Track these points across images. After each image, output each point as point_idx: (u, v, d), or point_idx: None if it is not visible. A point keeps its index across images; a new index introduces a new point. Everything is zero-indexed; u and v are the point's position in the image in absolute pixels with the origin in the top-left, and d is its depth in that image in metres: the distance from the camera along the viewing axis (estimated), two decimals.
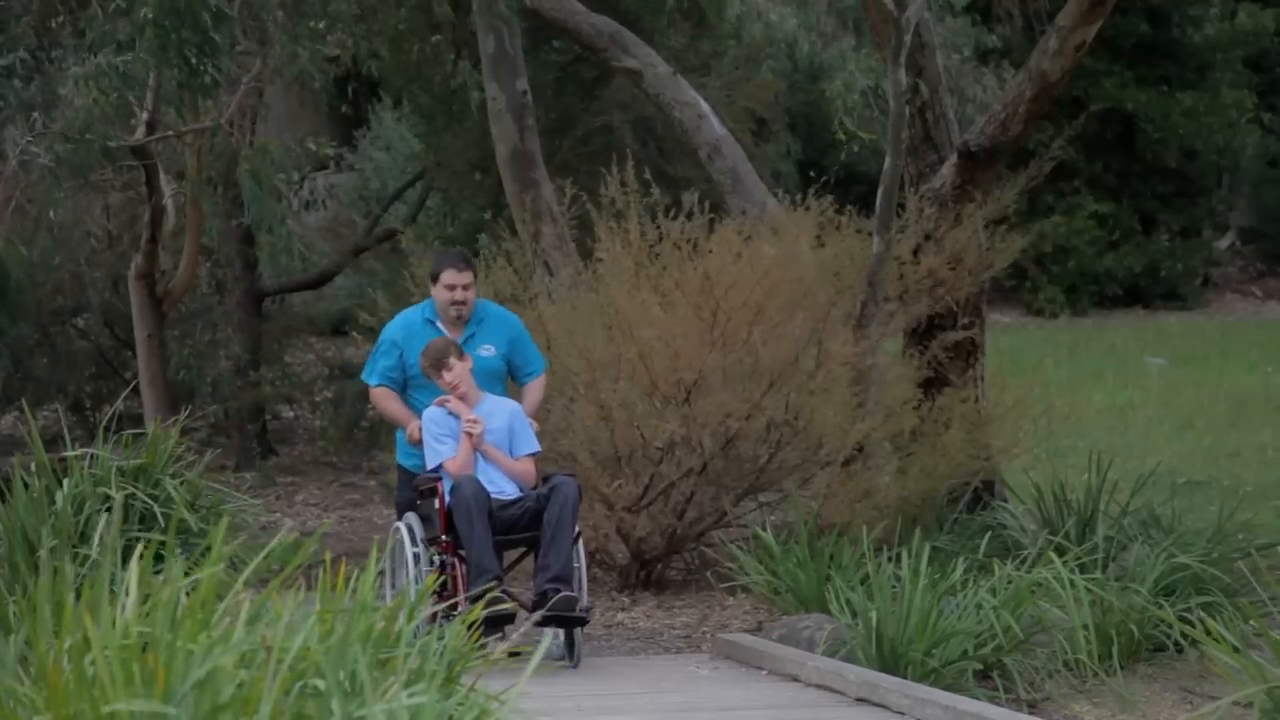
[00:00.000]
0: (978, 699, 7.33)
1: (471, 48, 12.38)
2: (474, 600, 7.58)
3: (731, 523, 10.07)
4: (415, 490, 8.44)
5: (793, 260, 9.85)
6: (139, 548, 4.34)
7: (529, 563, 8.56)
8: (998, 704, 7.35)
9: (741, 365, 9.73)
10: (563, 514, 8.08)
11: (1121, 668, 7.97)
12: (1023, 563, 8.64)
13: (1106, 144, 24.24)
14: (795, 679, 7.78)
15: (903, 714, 7.07)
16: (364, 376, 8.81)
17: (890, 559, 8.35)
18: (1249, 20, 25.26)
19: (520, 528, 8.20)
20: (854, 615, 8.09)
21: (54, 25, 11.13)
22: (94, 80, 9.84)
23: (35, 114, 10.57)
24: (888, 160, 9.91)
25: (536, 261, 11.16)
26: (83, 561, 8.21)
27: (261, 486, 13.80)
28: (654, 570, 9.98)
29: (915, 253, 10.17)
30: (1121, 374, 18.99)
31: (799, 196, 10.35)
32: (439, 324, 8.64)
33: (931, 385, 10.15)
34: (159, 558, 5.07)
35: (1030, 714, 7.29)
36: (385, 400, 8.69)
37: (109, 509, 8.63)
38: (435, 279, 8.69)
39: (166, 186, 13.73)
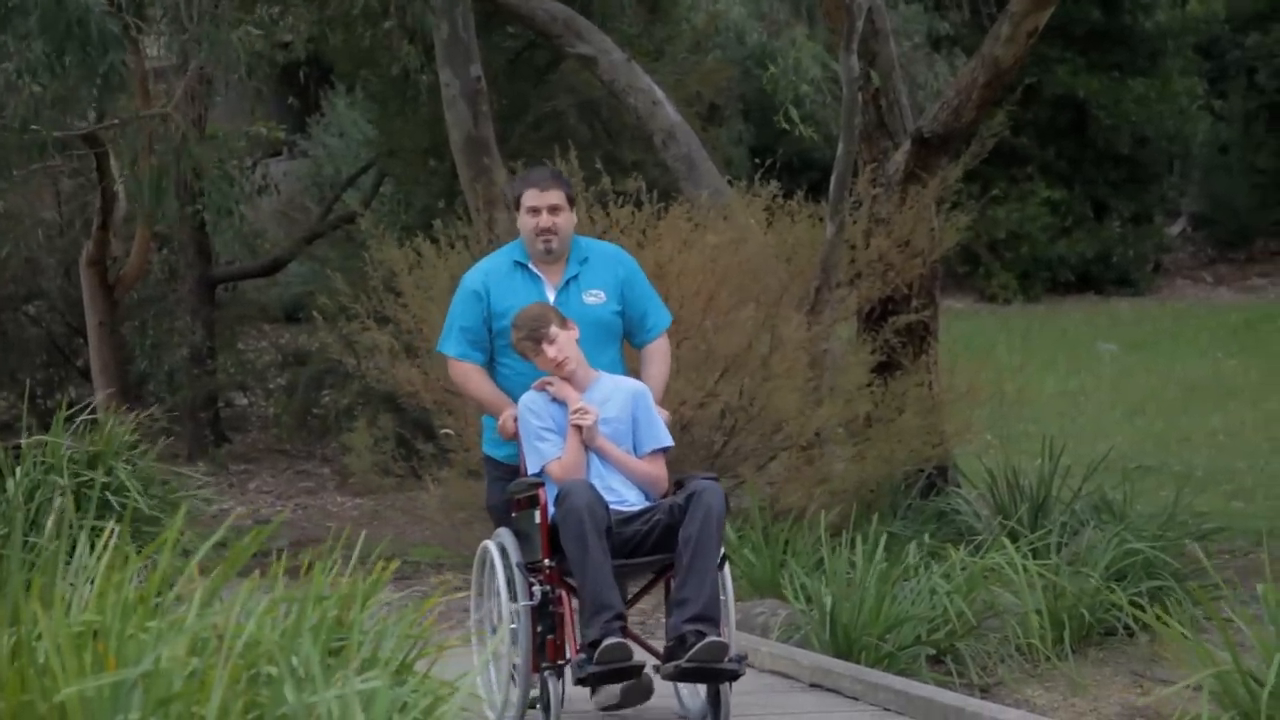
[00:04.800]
0: (930, 684, 7.36)
1: (424, 33, 12.35)
2: (589, 646, 6.04)
3: None
4: (511, 498, 6.52)
5: (744, 246, 9.86)
6: (105, 536, 4.32)
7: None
8: (950, 688, 7.38)
9: (695, 352, 9.74)
10: (704, 531, 6.16)
11: (1073, 651, 8.01)
12: (976, 548, 8.68)
13: (1059, 131, 24.35)
14: (749, 664, 7.79)
15: (856, 699, 7.10)
16: (439, 345, 6.89)
17: (845, 544, 8.38)
18: (1200, 7, 25.43)
19: (647, 548, 6.29)
20: (808, 601, 8.11)
21: None
22: (28, 73, 9.78)
23: None
24: (841, 146, 9.93)
25: (491, 248, 11.13)
26: (35, 550, 8.17)
27: (214, 474, 13.76)
28: None
29: (867, 236, 10.21)
30: (1074, 359, 19.11)
31: (751, 182, 10.36)
32: (531, 265, 6.74)
33: (884, 370, 10.19)
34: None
35: (982, 698, 7.32)
36: (468, 379, 6.75)
37: (61, 496, 8.61)
38: (518, 205, 6.81)
39: (117, 173, 13.67)
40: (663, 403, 6.76)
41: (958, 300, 22.82)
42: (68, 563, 4.27)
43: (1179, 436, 14.87)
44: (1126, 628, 8.28)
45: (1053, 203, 24.14)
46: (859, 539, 8.25)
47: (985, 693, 7.60)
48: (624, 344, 6.88)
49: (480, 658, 6.48)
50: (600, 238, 9.84)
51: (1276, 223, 25.88)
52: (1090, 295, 24.25)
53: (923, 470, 10.09)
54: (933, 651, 7.81)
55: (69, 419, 9.32)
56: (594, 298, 6.71)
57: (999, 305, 23.63)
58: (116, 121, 12.12)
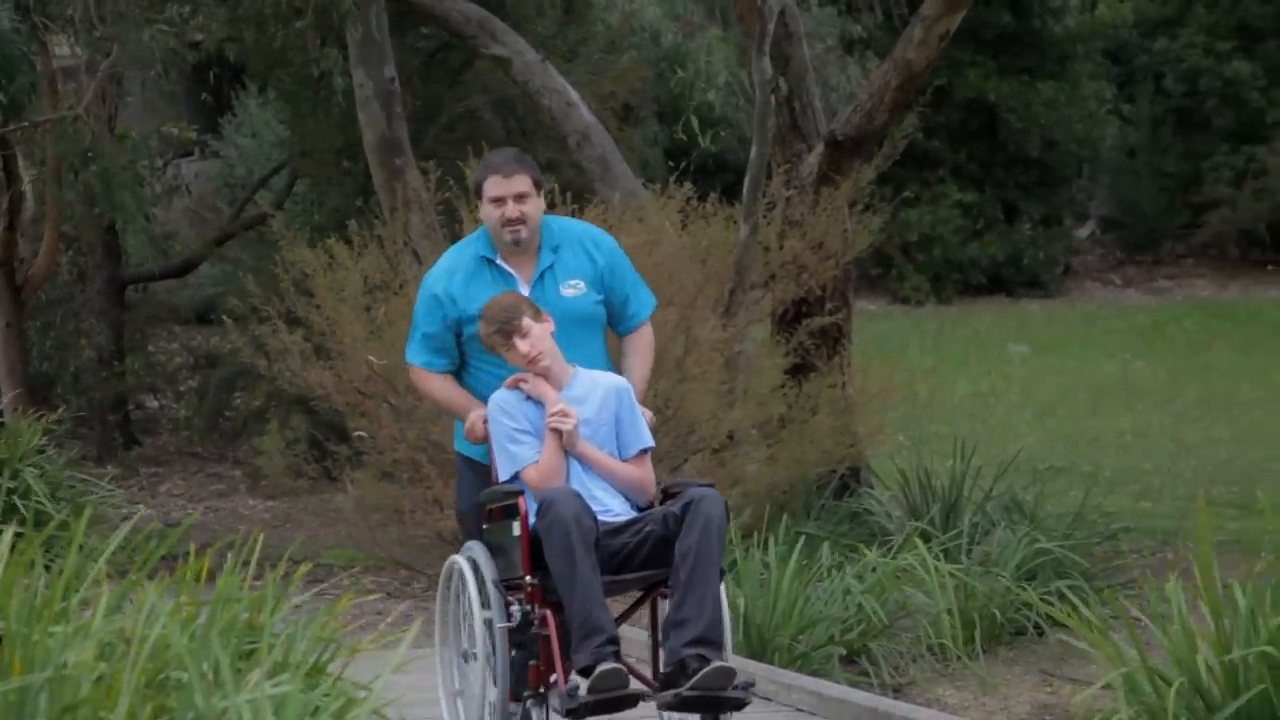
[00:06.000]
0: (843, 684, 7.39)
1: (338, 34, 12.28)
2: (580, 674, 5.48)
3: None
4: (482, 508, 5.92)
5: (658, 247, 9.87)
6: (5, 538, 4.26)
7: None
8: (863, 688, 7.42)
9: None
10: (704, 544, 5.55)
11: (984, 651, 8.07)
12: (888, 549, 8.73)
13: (970, 134, 24.56)
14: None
15: (769, 700, 7.11)
16: (406, 354, 6.23)
17: (758, 545, 8.40)
18: (1108, 12, 25.71)
19: (636, 563, 5.68)
20: None
21: None
22: None
23: None
24: (754, 149, 9.97)
25: (405, 250, 11.09)
26: None
27: (124, 478, 13.63)
28: None
29: (781, 238, 10.25)
30: (985, 361, 19.27)
31: (666, 184, 10.37)
32: (500, 260, 6.06)
33: (798, 372, 10.23)
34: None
35: (894, 698, 7.37)
36: (427, 384, 6.14)
37: None
38: (479, 193, 6.12)
39: (25, 173, 13.52)
40: (644, 401, 6.17)
41: (871, 302, 22.96)
42: None
43: (1088, 437, 15.02)
44: (1037, 627, 8.36)
45: (964, 205, 24.33)
46: (772, 540, 8.27)
47: (898, 692, 7.65)
48: (607, 332, 6.31)
49: (445, 689, 6.00)
50: None
51: (1183, 226, 26.19)
52: (1001, 297, 24.46)
53: (836, 471, 10.13)
54: (845, 652, 7.85)
55: None
56: (573, 289, 6.06)
57: (911, 307, 23.79)
58: (26, 123, 11.99)
